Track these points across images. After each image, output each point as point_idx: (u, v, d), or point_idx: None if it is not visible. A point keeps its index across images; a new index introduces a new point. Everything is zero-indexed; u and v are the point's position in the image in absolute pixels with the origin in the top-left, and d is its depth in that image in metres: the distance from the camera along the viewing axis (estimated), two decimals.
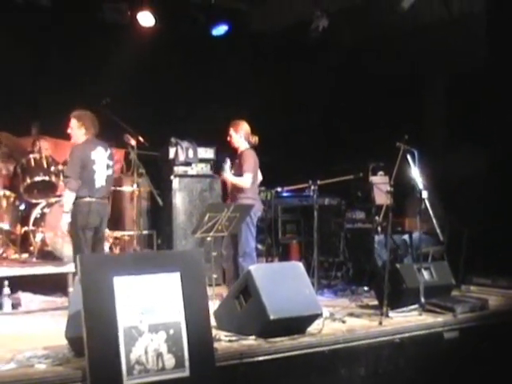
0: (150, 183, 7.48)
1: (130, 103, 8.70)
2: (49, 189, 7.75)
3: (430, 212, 5.93)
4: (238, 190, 6.54)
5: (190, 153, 8.24)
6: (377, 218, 7.24)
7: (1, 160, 7.72)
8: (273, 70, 9.76)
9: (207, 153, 8.39)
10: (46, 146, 8.10)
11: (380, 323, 5.32)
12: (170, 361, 3.98)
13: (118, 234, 7.97)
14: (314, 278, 6.54)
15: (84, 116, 6.13)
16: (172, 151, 8.19)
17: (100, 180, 6.08)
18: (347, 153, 8.73)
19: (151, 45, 8.95)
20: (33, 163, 7.69)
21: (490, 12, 7.73)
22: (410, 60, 8.46)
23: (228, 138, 6.72)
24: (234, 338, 4.75)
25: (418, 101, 8.75)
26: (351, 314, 5.72)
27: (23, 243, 7.48)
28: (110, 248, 7.66)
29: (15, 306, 6.39)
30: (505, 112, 7.50)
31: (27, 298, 6.60)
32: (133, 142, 6.98)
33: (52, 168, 7.66)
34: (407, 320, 5.49)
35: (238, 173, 6.53)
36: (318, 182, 6.99)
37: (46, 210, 7.36)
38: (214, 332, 4.60)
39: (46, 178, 7.67)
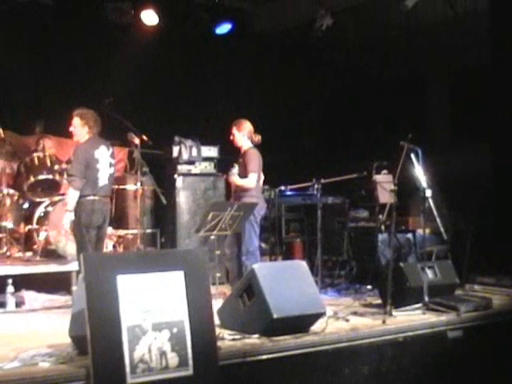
0: (153, 182, 7.49)
1: (133, 102, 8.73)
2: (52, 187, 7.77)
3: (434, 211, 5.92)
4: (242, 189, 6.56)
5: (194, 151, 8.23)
6: (380, 216, 7.24)
7: (5, 158, 7.72)
8: (276, 68, 9.76)
9: (211, 151, 8.38)
10: (49, 145, 8.12)
11: (383, 322, 5.30)
12: (173, 359, 3.97)
13: (121, 232, 7.99)
14: (317, 276, 6.54)
15: (87, 114, 6.12)
16: (176, 150, 8.18)
17: (103, 178, 6.09)
18: (351, 151, 8.72)
19: (154, 44, 8.96)
20: (36, 162, 7.71)
21: (494, 10, 7.72)
22: (413, 59, 8.46)
23: (231, 137, 6.72)
24: (237, 337, 4.75)
25: (422, 99, 8.75)
26: (355, 313, 5.70)
27: (27, 242, 7.48)
28: (114, 246, 7.68)
29: (19, 304, 6.39)
30: (509, 110, 7.48)
31: (31, 297, 6.58)
32: (136, 141, 6.98)
33: (56, 167, 7.68)
34: (411, 319, 5.46)
35: (243, 172, 6.54)
36: (322, 181, 7.00)
37: (50, 209, 7.37)
38: (218, 331, 4.59)
39: (50, 177, 7.69)
